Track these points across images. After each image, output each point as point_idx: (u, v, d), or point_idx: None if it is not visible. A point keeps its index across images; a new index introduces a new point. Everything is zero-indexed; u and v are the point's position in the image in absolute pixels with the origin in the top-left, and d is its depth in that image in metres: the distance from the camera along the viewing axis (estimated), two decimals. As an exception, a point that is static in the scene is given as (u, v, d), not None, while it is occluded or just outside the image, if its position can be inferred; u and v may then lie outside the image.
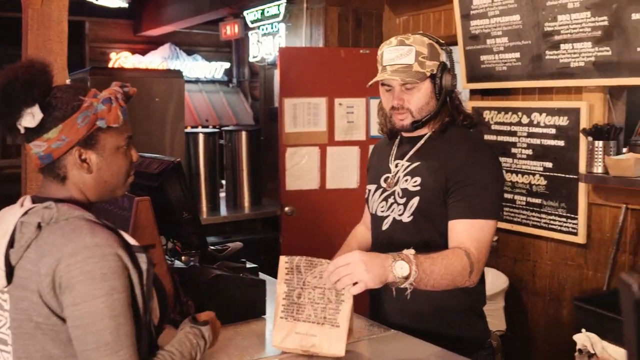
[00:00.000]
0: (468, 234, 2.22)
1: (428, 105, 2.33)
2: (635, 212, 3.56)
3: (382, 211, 2.43)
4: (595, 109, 3.70)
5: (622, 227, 3.58)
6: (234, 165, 5.81)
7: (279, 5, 5.79)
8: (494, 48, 4.05)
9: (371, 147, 4.88)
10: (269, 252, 5.09)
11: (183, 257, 2.63)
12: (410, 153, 2.39)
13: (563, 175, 3.84)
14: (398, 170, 2.41)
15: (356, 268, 1.93)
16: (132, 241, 1.60)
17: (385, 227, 2.41)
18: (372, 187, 2.50)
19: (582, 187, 3.75)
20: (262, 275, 2.72)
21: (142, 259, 1.59)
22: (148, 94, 5.11)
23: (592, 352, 3.03)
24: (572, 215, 3.81)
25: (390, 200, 2.40)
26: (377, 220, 2.46)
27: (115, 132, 1.66)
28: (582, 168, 3.69)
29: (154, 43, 8.23)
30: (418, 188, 2.33)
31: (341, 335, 2.01)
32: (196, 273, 2.37)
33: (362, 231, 2.72)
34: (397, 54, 2.29)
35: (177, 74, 5.52)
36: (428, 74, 2.29)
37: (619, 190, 3.59)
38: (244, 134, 5.78)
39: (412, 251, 2.04)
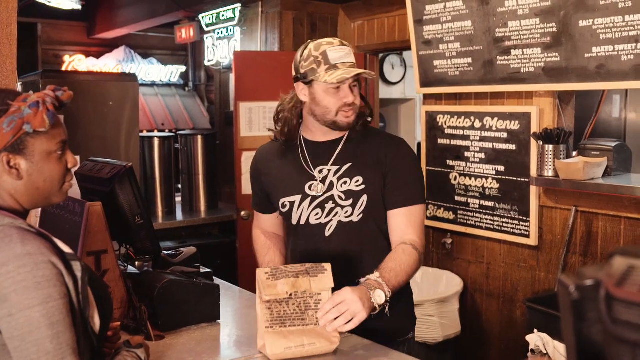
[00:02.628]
0: (408, 221, 2.41)
1: (361, 105, 2.43)
2: (584, 214, 3.64)
3: (319, 218, 2.44)
4: (546, 114, 3.77)
5: (572, 229, 3.65)
6: (190, 169, 5.80)
7: (234, 9, 5.77)
8: (446, 53, 4.10)
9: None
10: (226, 256, 5.09)
11: (137, 263, 2.63)
12: (334, 156, 2.44)
13: (515, 178, 3.91)
14: (326, 176, 2.43)
15: (354, 306, 2.06)
16: (65, 249, 1.56)
17: (329, 232, 2.44)
18: (295, 197, 2.47)
19: (534, 190, 3.82)
20: (217, 280, 2.73)
21: (77, 266, 1.54)
22: (102, 97, 5.07)
23: (545, 352, 3.08)
24: (524, 218, 3.87)
25: (329, 205, 2.42)
26: (311, 229, 2.46)
27: (45, 137, 1.59)
28: (533, 171, 3.75)
29: (109, 46, 8.14)
30: (363, 187, 2.40)
31: (326, 329, 2.09)
32: (149, 278, 2.36)
33: (271, 243, 2.69)
34: (343, 53, 2.34)
35: (132, 77, 5.47)
36: None
37: (568, 193, 3.66)
38: (199, 138, 5.77)
39: (377, 274, 2.21)
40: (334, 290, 2.15)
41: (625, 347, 0.87)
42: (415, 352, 2.55)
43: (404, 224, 2.40)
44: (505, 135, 3.93)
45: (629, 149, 3.74)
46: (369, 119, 2.51)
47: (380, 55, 6.32)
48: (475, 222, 4.15)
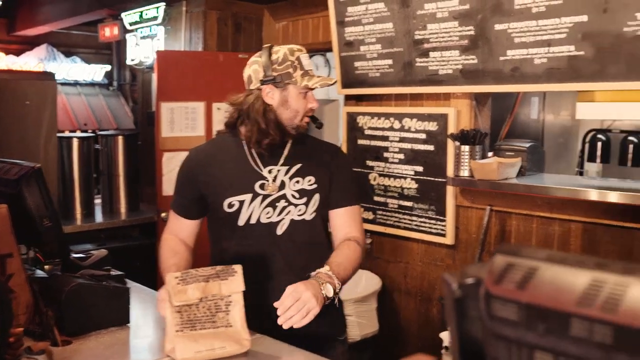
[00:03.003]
0: (351, 219, 2.60)
1: None
2: (498, 213, 3.72)
3: (270, 217, 2.48)
4: (463, 115, 3.83)
5: (486, 228, 3.72)
6: (110, 170, 5.69)
7: (157, 8, 5.70)
8: (367, 55, 4.13)
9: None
10: (146, 258, 5.01)
11: (46, 266, 2.56)
12: (284, 157, 2.51)
13: (432, 178, 3.96)
14: (277, 175, 2.49)
15: (310, 302, 2.17)
16: None
17: (281, 231, 2.48)
18: (245, 196, 2.48)
19: (450, 190, 3.88)
20: (131, 283, 2.68)
21: None
22: (19, 96, 4.94)
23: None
24: (441, 218, 3.93)
25: (280, 204, 2.48)
26: (262, 227, 2.48)
27: None
28: (450, 172, 3.81)
29: (30, 43, 7.92)
30: (315, 186, 2.52)
31: (237, 331, 2.10)
32: (57, 282, 2.30)
33: (182, 249, 2.58)
34: (309, 61, 2.48)
35: (50, 76, 5.34)
36: None
37: (484, 192, 3.73)
38: (120, 138, 5.67)
39: (327, 268, 2.35)
40: (281, 282, 2.29)
41: (502, 343, 0.88)
42: (348, 351, 2.70)
43: (348, 222, 2.59)
44: (423, 136, 3.99)
45: (542, 149, 3.84)
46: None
47: (305, 55, 6.35)
48: (394, 221, 4.19)
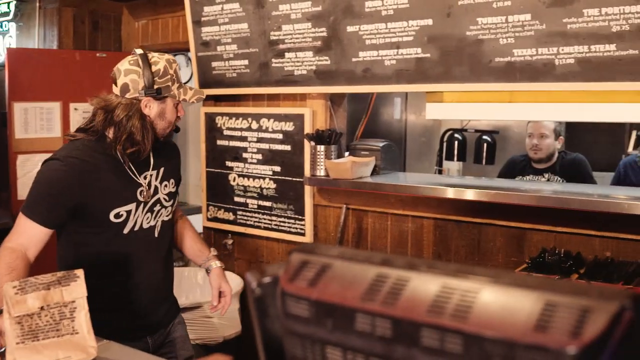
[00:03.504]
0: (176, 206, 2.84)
1: None
2: (354, 211, 3.79)
3: (149, 222, 2.58)
4: (318, 115, 3.89)
5: (343, 226, 3.79)
6: (-39, 174, 5.42)
7: (8, 3, 5.47)
8: (224, 55, 4.12)
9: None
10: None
11: None
12: (152, 163, 2.58)
13: (290, 178, 4.00)
14: (150, 181, 2.57)
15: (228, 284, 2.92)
16: None
17: (157, 233, 2.62)
18: (130, 206, 2.49)
19: (308, 190, 3.93)
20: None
21: None
22: None
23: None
24: (300, 217, 3.98)
25: (157, 208, 2.60)
26: (144, 232, 2.56)
27: None
28: (307, 171, 3.86)
29: None
30: (175, 187, 2.73)
31: (84, 338, 2.05)
32: None
33: (22, 266, 2.35)
34: (182, 73, 2.73)
35: None
36: None
37: (340, 191, 3.80)
38: (-30, 140, 5.40)
39: (212, 250, 2.94)
40: (156, 280, 2.67)
41: (297, 339, 0.90)
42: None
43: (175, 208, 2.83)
44: (280, 136, 4.02)
45: (396, 148, 3.94)
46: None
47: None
48: (254, 222, 4.20)
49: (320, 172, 3.72)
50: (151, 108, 2.46)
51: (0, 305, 2.06)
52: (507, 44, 3.03)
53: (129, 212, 2.49)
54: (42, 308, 2.01)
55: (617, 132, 6.24)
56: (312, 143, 3.73)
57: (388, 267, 0.86)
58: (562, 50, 2.90)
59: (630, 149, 5.83)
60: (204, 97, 2.67)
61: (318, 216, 3.96)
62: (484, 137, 4.92)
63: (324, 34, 3.62)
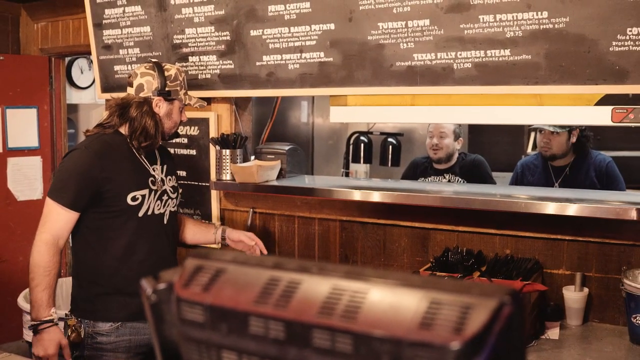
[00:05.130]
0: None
1: None
2: (262, 215, 3.80)
3: (159, 209, 2.90)
4: (224, 119, 3.88)
5: (250, 229, 3.78)
6: None
7: None
8: (126, 58, 4.06)
9: (10, 159, 4.68)
10: None
11: None
12: (159, 158, 2.93)
13: (197, 183, 3.98)
14: (158, 173, 2.90)
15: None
16: None
17: (166, 220, 2.93)
18: (144, 191, 2.81)
19: (214, 194, 3.91)
20: None
21: None
22: None
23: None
24: (207, 222, 3.95)
25: (165, 198, 2.92)
26: (155, 218, 2.87)
27: None
28: (213, 176, 3.84)
29: None
30: (177, 183, 3.05)
31: None
32: None
33: (55, 265, 2.70)
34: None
35: None
36: None
37: (246, 195, 3.80)
38: None
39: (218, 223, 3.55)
40: (168, 263, 2.84)
41: (193, 345, 0.91)
42: None
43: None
44: (185, 140, 3.98)
45: (302, 151, 3.96)
46: None
47: (68, 58, 6.09)
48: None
49: (226, 177, 3.70)
50: (161, 107, 2.85)
51: (38, 311, 2.57)
52: (408, 49, 3.10)
53: (143, 197, 2.81)
54: None
55: (516, 133, 6.46)
56: (218, 147, 3.71)
57: (280, 271, 0.87)
58: (460, 54, 2.98)
59: (529, 150, 6.04)
60: (205, 104, 3.13)
61: (225, 220, 3.94)
62: (389, 139, 5.00)
63: (228, 37, 3.62)
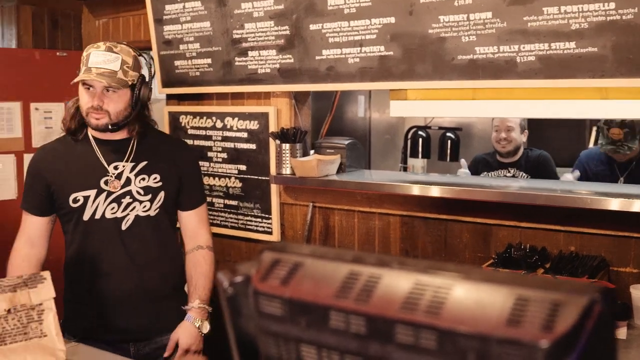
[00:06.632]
0: (199, 219, 2.78)
1: (125, 111, 2.57)
2: (321, 209, 3.80)
3: (115, 213, 2.58)
4: (283, 113, 3.88)
5: (310, 224, 3.79)
6: None
7: (-35, 3, 5.38)
8: (186, 53, 4.10)
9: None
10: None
11: None
12: (129, 154, 2.63)
13: (256, 177, 3.99)
14: (122, 172, 2.60)
15: (198, 347, 2.57)
16: None
17: (126, 226, 2.59)
18: (90, 192, 2.55)
19: (274, 188, 3.92)
20: None
21: None
22: None
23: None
24: (267, 216, 3.97)
25: (126, 200, 2.58)
26: (106, 222, 2.57)
27: None
28: (273, 170, 3.85)
29: None
30: (160, 183, 2.65)
31: (52, 341, 2.03)
32: None
33: (29, 255, 2.63)
34: (105, 58, 2.46)
35: None
36: (130, 82, 2.53)
37: (306, 189, 3.80)
38: None
39: (197, 302, 2.64)
40: (123, 277, 2.55)
41: (271, 338, 0.90)
42: None
43: (196, 223, 2.78)
44: (245, 135, 4.00)
45: (361, 146, 3.95)
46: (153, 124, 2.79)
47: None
48: (221, 221, 4.18)
49: (286, 171, 3.71)
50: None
51: None
52: (470, 42, 3.06)
53: (86, 198, 2.55)
54: (9, 311, 1.99)
55: (578, 127, 6.34)
56: (277, 141, 3.72)
57: (360, 265, 0.86)
58: (524, 47, 2.93)
59: (590, 145, 5.92)
60: (86, 79, 2.50)
61: (285, 214, 3.95)
62: (448, 134, 4.96)
63: (287, 32, 3.62)
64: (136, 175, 2.61)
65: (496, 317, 0.73)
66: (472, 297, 0.77)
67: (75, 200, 2.55)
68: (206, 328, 2.60)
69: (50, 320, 2.05)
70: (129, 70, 2.53)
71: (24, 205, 2.68)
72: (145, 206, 2.61)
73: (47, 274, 2.09)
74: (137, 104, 2.59)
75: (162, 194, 2.65)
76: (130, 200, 2.59)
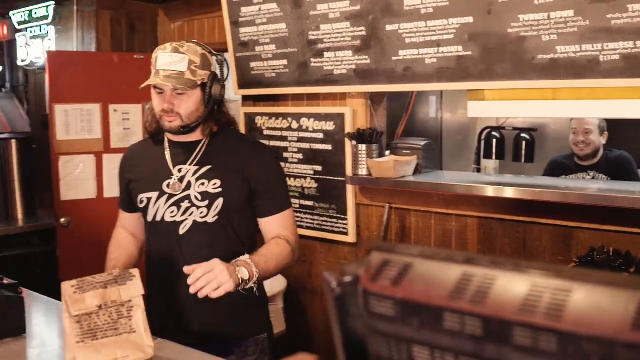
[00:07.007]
0: (282, 225, 2.57)
1: (197, 112, 2.47)
2: (397, 210, 3.79)
3: (174, 216, 2.49)
4: (359, 114, 3.89)
5: (386, 225, 3.79)
6: (4, 175, 5.47)
7: (47, 7, 5.53)
8: (262, 55, 4.14)
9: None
10: (46, 266, 4.87)
11: None
12: (194, 157, 2.52)
13: (332, 178, 4.01)
14: (184, 175, 2.50)
15: (221, 275, 2.15)
16: None
17: (183, 231, 2.48)
18: (152, 194, 2.52)
19: (350, 189, 3.93)
20: (29, 292, 2.61)
21: None
22: None
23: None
24: (342, 216, 3.98)
25: (185, 204, 2.48)
26: (165, 226, 2.51)
27: None
28: (349, 171, 3.86)
29: None
30: (220, 190, 2.48)
31: (140, 337, 2.07)
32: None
33: (126, 235, 2.76)
34: (171, 60, 2.40)
35: None
36: (199, 82, 2.44)
37: (382, 190, 3.80)
38: (13, 142, 5.46)
39: (247, 256, 2.34)
40: (182, 282, 2.24)
41: (382, 338, 0.91)
42: (268, 352, 2.66)
43: (279, 228, 2.56)
44: (321, 135, 4.02)
45: (437, 147, 3.94)
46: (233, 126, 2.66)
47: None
48: (297, 221, 4.20)
49: (362, 172, 3.72)
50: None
51: None
52: (550, 41, 3.01)
53: (149, 200, 2.54)
54: (100, 307, 2.04)
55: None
56: (354, 142, 3.73)
57: (473, 266, 0.86)
58: (607, 46, 2.87)
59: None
60: (153, 83, 2.42)
61: (361, 215, 3.96)
62: (523, 134, 4.88)
63: (363, 33, 3.62)
64: (197, 180, 2.49)
65: (619, 320, 0.72)
66: (592, 300, 0.76)
67: (141, 201, 2.56)
68: (244, 274, 2.25)
69: (139, 317, 2.09)
70: (197, 69, 2.43)
71: (119, 200, 2.79)
72: (202, 212, 2.48)
73: (136, 272, 2.14)
74: (210, 102, 2.49)
75: (220, 201, 2.48)
76: (189, 205, 2.48)
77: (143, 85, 2.41)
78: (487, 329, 0.80)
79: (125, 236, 2.76)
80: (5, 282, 2.48)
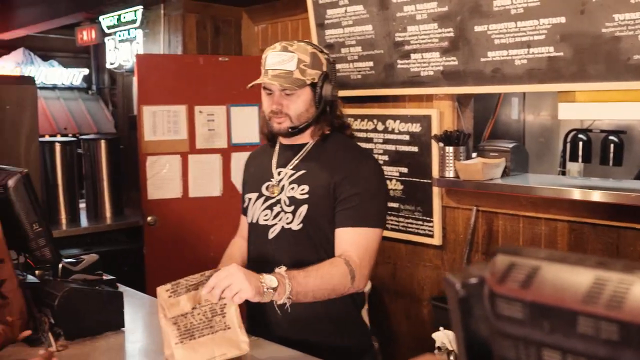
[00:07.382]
0: (352, 241, 2.29)
1: (307, 113, 2.37)
2: (485, 213, 3.75)
3: (266, 219, 2.41)
4: (445, 116, 3.87)
5: (473, 228, 3.75)
6: (94, 174, 5.65)
7: (135, 11, 5.69)
8: (348, 57, 4.16)
9: (234, 154, 4.93)
10: (133, 263, 5.00)
11: (37, 272, 2.56)
12: (294, 161, 2.43)
13: (418, 179, 4.00)
14: (282, 178, 2.42)
15: (236, 279, 1.97)
16: None
17: (272, 235, 2.39)
18: (253, 195, 2.49)
19: (436, 191, 3.91)
20: (122, 287, 2.68)
21: None
22: (-2, 101, 4.91)
23: (450, 348, 3.16)
24: (428, 218, 3.97)
25: (276, 208, 2.40)
26: (259, 228, 2.44)
27: None
28: (435, 173, 3.84)
29: (5, 47, 7.84)
30: (306, 196, 2.35)
31: (235, 333, 2.09)
32: (50, 287, 2.31)
33: (241, 245, 2.65)
34: (280, 59, 2.31)
35: (29, 80, 5.30)
36: (308, 82, 2.33)
37: (469, 193, 3.77)
38: (102, 142, 5.63)
39: (283, 268, 2.11)
40: None
41: (509, 341, 0.91)
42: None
43: (347, 243, 2.30)
44: (407, 137, 4.02)
45: (525, 149, 3.88)
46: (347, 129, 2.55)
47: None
48: (380, 223, 4.21)
49: (449, 174, 3.70)
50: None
51: None
52: (647, 41, 2.94)
53: (250, 200, 2.50)
54: (194, 307, 2.08)
55: None
56: (441, 144, 3.71)
57: (606, 270, 0.85)
58: None
59: None
60: (262, 83, 2.35)
61: (447, 218, 3.94)
62: (611, 137, 4.77)
63: (451, 34, 3.60)
64: (290, 184, 2.39)
65: None
66: None
67: (244, 202, 2.55)
68: (272, 282, 2.04)
69: (233, 313, 2.11)
70: (306, 68, 2.32)
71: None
72: (288, 218, 2.36)
73: (227, 270, 2.16)
74: (320, 103, 2.38)
75: (304, 208, 2.34)
76: (279, 209, 2.39)
77: (250, 85, 2.34)
78: (624, 333, 0.79)
79: (239, 246, 2.66)
80: (104, 278, 2.55)
